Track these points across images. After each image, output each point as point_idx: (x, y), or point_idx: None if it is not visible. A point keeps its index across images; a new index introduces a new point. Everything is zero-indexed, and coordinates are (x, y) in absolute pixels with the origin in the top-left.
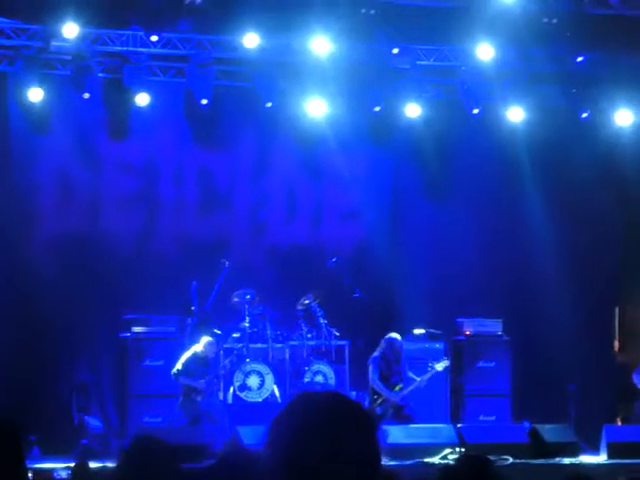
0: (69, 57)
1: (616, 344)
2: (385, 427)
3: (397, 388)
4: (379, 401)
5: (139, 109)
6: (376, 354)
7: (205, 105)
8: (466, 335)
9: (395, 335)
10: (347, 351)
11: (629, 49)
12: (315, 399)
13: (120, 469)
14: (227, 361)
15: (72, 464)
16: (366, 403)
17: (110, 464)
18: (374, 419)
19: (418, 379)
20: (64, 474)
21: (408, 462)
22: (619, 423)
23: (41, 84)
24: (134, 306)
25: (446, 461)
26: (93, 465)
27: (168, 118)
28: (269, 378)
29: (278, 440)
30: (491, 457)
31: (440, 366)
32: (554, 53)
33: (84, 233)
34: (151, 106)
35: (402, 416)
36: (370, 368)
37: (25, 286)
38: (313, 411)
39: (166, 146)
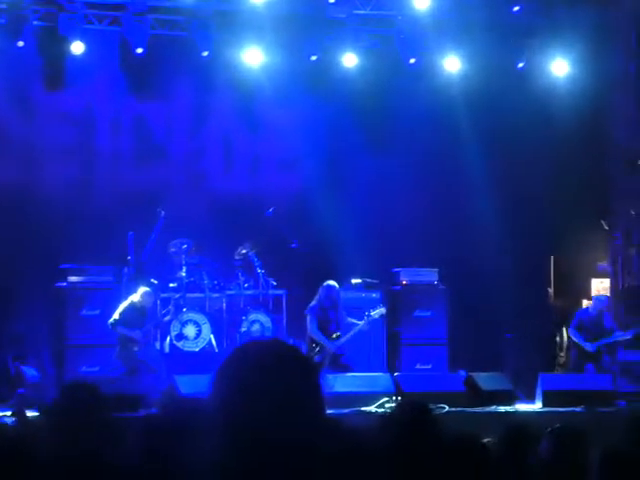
0: (4, 5)
1: (550, 293)
2: (326, 375)
3: (334, 336)
4: (317, 350)
5: (74, 58)
6: (313, 303)
7: (141, 54)
8: (402, 284)
9: (332, 282)
10: (284, 300)
11: None
12: (257, 346)
13: (49, 417)
14: (164, 311)
15: (9, 412)
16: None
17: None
18: (315, 363)
19: (358, 324)
20: (9, 421)
21: (345, 410)
22: (558, 372)
23: None
24: (71, 256)
25: (383, 409)
26: (30, 414)
27: (104, 67)
28: (206, 327)
29: (222, 388)
30: (427, 405)
31: (376, 313)
32: (490, 2)
33: (19, 184)
34: (87, 55)
35: (339, 365)
36: (308, 317)
37: None
38: (255, 357)
39: (102, 95)
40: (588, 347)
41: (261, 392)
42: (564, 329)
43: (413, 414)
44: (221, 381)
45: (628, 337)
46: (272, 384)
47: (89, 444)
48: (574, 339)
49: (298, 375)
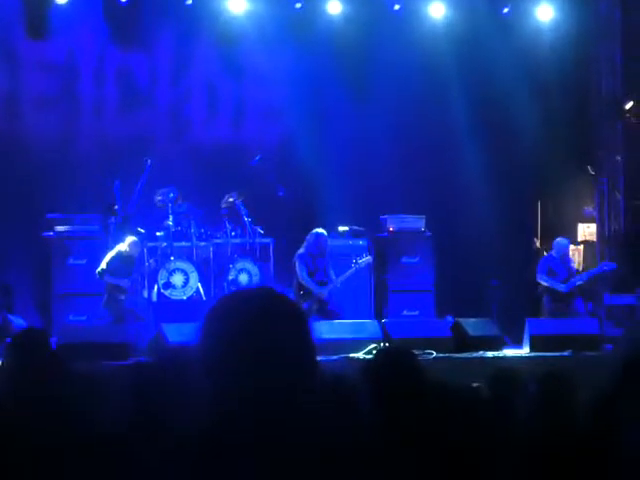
0: None
1: (536, 241)
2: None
3: (321, 283)
4: (305, 296)
5: (58, 6)
6: (301, 250)
7: (124, 2)
8: (389, 231)
9: (320, 230)
10: (271, 249)
11: None
12: (245, 294)
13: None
14: (152, 260)
15: None
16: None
17: None
18: (304, 310)
19: (343, 275)
20: None
21: (333, 357)
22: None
23: None
24: (57, 206)
25: (370, 356)
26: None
27: (87, 16)
28: (193, 276)
29: (210, 336)
30: (415, 351)
31: (363, 262)
32: None
33: (2, 133)
34: (70, 3)
35: (327, 312)
36: (297, 264)
37: None
38: (244, 305)
39: (85, 44)
40: (562, 288)
41: (249, 339)
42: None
43: (396, 359)
44: (208, 329)
45: (597, 272)
46: (260, 331)
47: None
48: (545, 284)
49: (287, 321)
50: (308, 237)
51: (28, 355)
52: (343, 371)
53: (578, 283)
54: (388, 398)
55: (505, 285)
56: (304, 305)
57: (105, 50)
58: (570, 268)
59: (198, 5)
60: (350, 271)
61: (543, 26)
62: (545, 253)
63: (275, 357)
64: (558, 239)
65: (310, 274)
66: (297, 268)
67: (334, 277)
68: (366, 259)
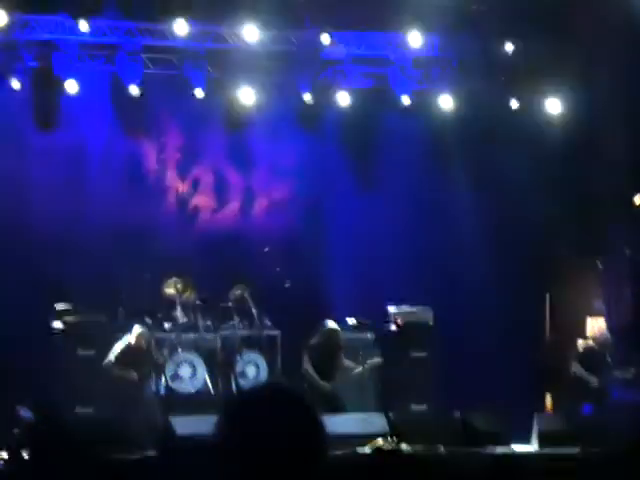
0: None
1: (546, 331)
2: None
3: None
4: (310, 390)
5: (68, 97)
6: (312, 342)
7: (134, 92)
8: (397, 324)
9: (333, 326)
10: (279, 340)
11: (557, 37)
12: (260, 393)
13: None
14: (161, 351)
15: (4, 453)
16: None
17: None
18: (317, 410)
19: (355, 368)
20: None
21: (339, 452)
22: (549, 407)
23: None
24: (64, 295)
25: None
26: (25, 454)
27: (96, 105)
28: (201, 368)
29: (227, 436)
30: (422, 446)
31: (373, 363)
32: (483, 41)
33: (11, 222)
34: (79, 94)
35: (333, 406)
36: (305, 357)
37: None
38: (259, 406)
39: (94, 134)
40: (593, 381)
41: (265, 443)
42: (559, 365)
43: (388, 460)
44: (225, 429)
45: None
46: (276, 435)
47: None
48: (579, 374)
49: (301, 424)
50: (321, 332)
51: (44, 447)
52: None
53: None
54: None
55: (513, 379)
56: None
57: (113, 139)
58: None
59: (207, 96)
60: (360, 371)
61: (552, 118)
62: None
63: (288, 458)
64: (597, 332)
65: (317, 368)
66: (304, 361)
67: (349, 365)
68: (376, 361)
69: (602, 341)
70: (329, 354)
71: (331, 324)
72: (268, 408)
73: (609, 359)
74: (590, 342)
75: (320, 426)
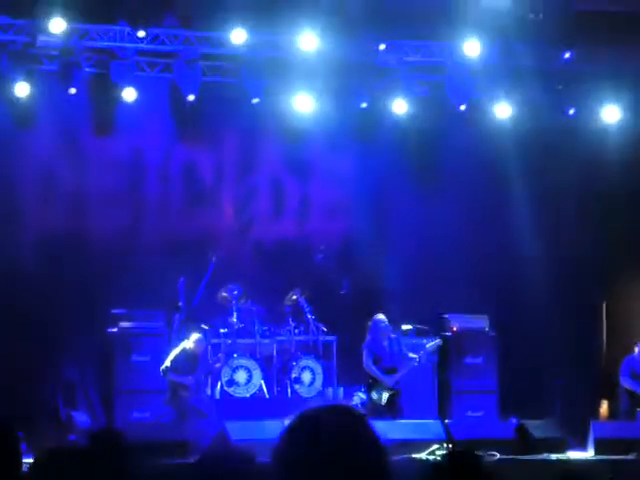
0: (56, 52)
1: (603, 340)
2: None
3: (388, 371)
4: (373, 385)
5: (125, 104)
6: (367, 338)
7: (192, 101)
8: (453, 331)
9: (379, 316)
10: (335, 346)
11: (615, 45)
12: (325, 416)
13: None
14: (217, 357)
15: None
16: (362, 390)
17: None
18: (380, 438)
19: (413, 358)
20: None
21: (396, 457)
22: (604, 414)
23: (27, 79)
24: (121, 302)
25: (433, 457)
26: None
27: (154, 113)
28: (256, 373)
29: (286, 456)
30: (478, 453)
31: (432, 345)
32: (540, 49)
33: (69, 229)
34: (137, 101)
35: (395, 405)
36: (364, 353)
37: (10, 283)
38: (323, 430)
39: (151, 142)
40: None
41: (326, 466)
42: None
43: (463, 462)
44: (285, 451)
45: None
46: (338, 460)
47: None
48: (628, 387)
49: (366, 455)
50: (369, 325)
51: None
52: (407, 472)
53: None
54: None
55: (569, 385)
56: (374, 394)
57: (171, 147)
58: None
59: (264, 104)
60: (419, 357)
61: (609, 126)
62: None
63: None
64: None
65: (377, 362)
66: (364, 357)
67: (409, 356)
68: (435, 343)
69: None
70: (381, 343)
71: (376, 316)
72: (333, 427)
73: None
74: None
75: (384, 460)
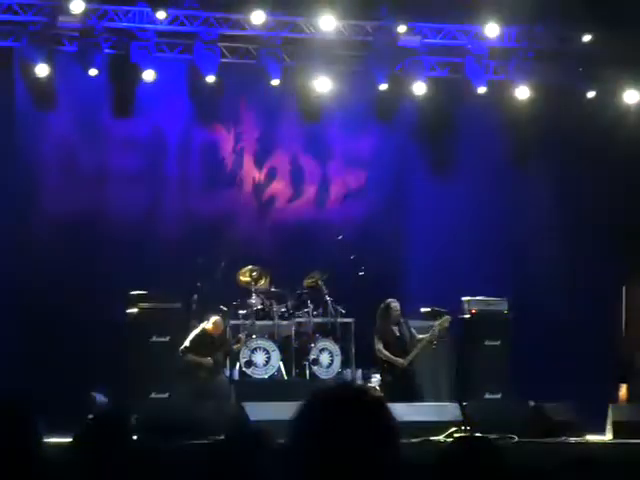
0: (75, 33)
1: (622, 323)
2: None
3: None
4: (388, 369)
5: (144, 85)
6: (377, 323)
7: (209, 81)
8: (472, 313)
9: (390, 300)
10: (353, 328)
11: (634, 28)
12: (336, 396)
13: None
14: (236, 338)
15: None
16: (377, 374)
17: None
18: (387, 408)
19: (422, 339)
20: None
21: (413, 440)
22: (623, 398)
23: (47, 60)
24: (140, 282)
25: (451, 439)
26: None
27: (173, 94)
28: (275, 355)
29: (299, 437)
30: (496, 436)
31: (441, 323)
32: (560, 31)
33: (89, 210)
34: (156, 82)
35: (413, 386)
36: (375, 338)
37: (30, 263)
38: (328, 408)
39: (171, 123)
40: None
41: (332, 441)
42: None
43: (473, 448)
44: (300, 430)
45: None
46: (341, 434)
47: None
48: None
49: (366, 424)
50: (380, 309)
51: (107, 439)
52: (425, 454)
53: None
54: None
55: (588, 369)
56: (389, 377)
57: (190, 128)
58: None
59: (283, 85)
60: (429, 335)
61: (630, 109)
62: None
63: (355, 458)
64: None
65: (388, 345)
66: (375, 342)
67: (419, 336)
68: (444, 319)
69: None
70: (391, 328)
71: (388, 300)
72: (348, 409)
73: None
74: None
75: (395, 429)
